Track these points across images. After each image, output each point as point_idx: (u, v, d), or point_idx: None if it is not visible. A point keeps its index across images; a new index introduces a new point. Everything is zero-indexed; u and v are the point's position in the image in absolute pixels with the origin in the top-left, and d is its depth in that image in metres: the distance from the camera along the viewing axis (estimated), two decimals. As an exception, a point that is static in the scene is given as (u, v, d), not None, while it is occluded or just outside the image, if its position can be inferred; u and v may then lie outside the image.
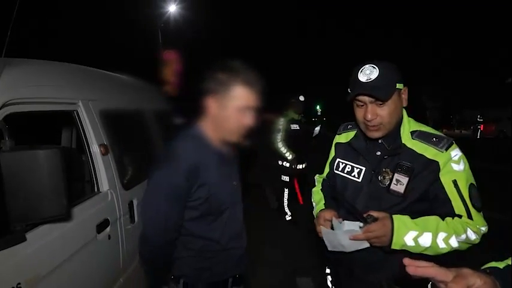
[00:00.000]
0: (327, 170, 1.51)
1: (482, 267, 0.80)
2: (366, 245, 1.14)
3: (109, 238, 1.73)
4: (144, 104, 2.60)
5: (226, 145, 1.29)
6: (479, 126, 22.92)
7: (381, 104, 1.15)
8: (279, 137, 4.25)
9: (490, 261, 0.81)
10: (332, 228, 1.21)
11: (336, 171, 1.38)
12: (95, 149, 1.77)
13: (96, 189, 1.77)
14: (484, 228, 1.15)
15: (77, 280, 1.50)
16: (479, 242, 1.16)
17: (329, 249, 1.23)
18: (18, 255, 1.17)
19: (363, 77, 1.14)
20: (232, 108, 1.17)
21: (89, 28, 16.09)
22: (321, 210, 1.33)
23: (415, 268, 0.68)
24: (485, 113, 23.73)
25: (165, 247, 1.22)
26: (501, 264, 0.80)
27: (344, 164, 1.35)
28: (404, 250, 1.11)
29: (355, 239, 1.13)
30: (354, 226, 1.14)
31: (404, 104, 1.21)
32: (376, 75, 1.12)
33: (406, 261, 0.69)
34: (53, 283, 1.32)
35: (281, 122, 4.29)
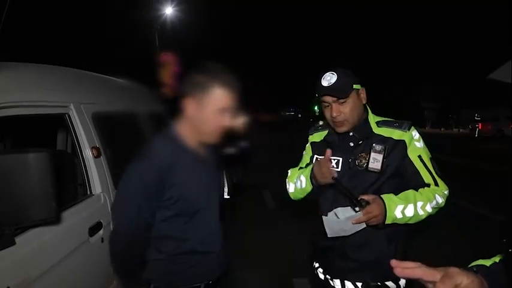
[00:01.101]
0: (303, 164, 1.63)
1: (469, 266, 0.80)
2: (363, 225, 1.29)
3: (102, 241, 1.72)
4: (138, 106, 2.60)
5: (204, 147, 1.28)
6: (477, 125, 23.00)
7: (342, 103, 1.36)
8: None
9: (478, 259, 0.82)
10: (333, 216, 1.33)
11: None
12: (87, 151, 1.77)
13: (88, 192, 1.77)
14: (446, 192, 1.38)
15: (69, 284, 1.49)
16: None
17: (329, 235, 1.35)
18: (7, 259, 1.16)
19: (324, 82, 1.36)
20: (210, 110, 1.18)
21: (86, 30, 16.07)
22: (316, 161, 1.45)
23: (402, 270, 0.68)
24: (483, 112, 23.82)
25: (136, 245, 1.21)
26: (488, 262, 0.80)
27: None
28: (386, 226, 1.29)
29: (357, 222, 1.26)
30: (348, 211, 1.29)
31: (364, 101, 1.42)
32: (335, 79, 1.34)
33: (394, 262, 0.69)
34: (43, 287, 1.31)
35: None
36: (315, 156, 1.54)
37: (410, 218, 1.30)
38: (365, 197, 1.26)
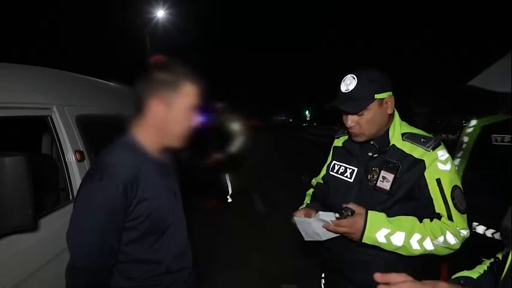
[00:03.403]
0: (323, 172, 1.54)
1: (454, 277, 0.78)
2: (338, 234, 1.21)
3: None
4: (125, 109, 2.55)
5: (164, 153, 1.18)
6: (465, 131, 23.41)
7: (359, 114, 1.20)
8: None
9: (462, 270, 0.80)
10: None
11: (330, 173, 1.42)
12: (70, 155, 1.72)
13: (71, 197, 1.71)
14: (464, 232, 1.16)
15: (48, 292, 1.44)
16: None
17: (305, 239, 1.30)
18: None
19: (343, 87, 1.21)
20: (181, 108, 1.08)
21: (77, 33, 15.90)
22: (300, 208, 1.40)
23: (388, 287, 0.66)
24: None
25: (101, 278, 1.04)
26: (474, 274, 0.79)
27: (339, 166, 1.39)
28: (362, 245, 1.16)
29: (326, 229, 1.20)
30: (328, 216, 1.20)
31: (389, 111, 1.23)
32: (353, 86, 1.18)
33: (378, 277, 0.67)
34: (19, 296, 1.26)
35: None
36: (333, 162, 1.43)
37: (399, 247, 1.13)
38: (352, 207, 1.16)
